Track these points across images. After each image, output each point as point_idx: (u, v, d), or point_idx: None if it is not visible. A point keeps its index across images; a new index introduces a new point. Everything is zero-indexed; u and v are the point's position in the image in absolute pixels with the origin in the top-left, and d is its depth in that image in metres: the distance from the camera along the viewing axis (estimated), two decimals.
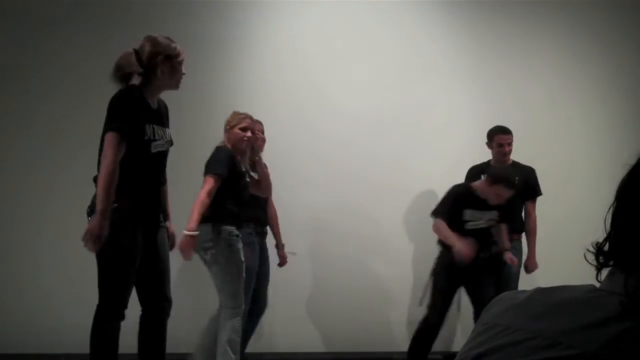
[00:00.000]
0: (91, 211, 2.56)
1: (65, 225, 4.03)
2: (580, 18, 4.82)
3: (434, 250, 4.47)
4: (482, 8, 4.70)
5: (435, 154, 4.51)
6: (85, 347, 3.90)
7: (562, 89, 4.74)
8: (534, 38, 4.75)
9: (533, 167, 3.88)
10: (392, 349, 4.32)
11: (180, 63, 2.65)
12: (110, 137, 2.46)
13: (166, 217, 2.83)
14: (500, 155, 3.78)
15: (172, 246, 2.90)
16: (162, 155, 2.68)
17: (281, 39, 4.41)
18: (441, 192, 4.41)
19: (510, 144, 3.78)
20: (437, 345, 4.35)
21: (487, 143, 3.86)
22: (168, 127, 2.72)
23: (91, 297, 3.96)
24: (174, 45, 2.64)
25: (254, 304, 3.46)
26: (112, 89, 4.11)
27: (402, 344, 4.36)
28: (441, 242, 3.57)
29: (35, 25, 4.15)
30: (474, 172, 3.86)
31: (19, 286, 3.97)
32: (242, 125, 3.25)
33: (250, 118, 3.31)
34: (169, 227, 2.85)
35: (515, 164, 3.82)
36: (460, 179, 4.33)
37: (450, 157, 4.48)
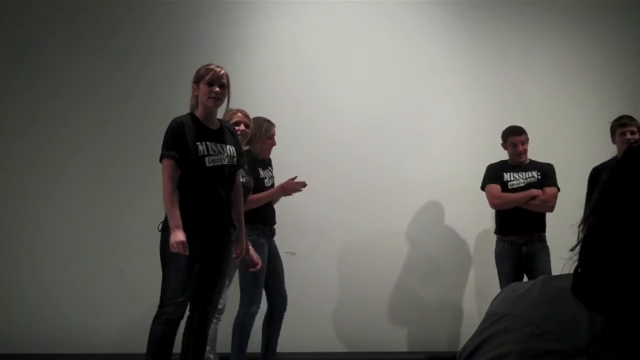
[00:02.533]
0: (163, 226, 2.80)
1: (65, 225, 4.05)
2: (580, 19, 4.82)
3: (434, 252, 4.49)
4: (482, 9, 4.70)
5: (436, 155, 4.51)
6: (84, 347, 3.93)
7: (562, 90, 4.75)
8: (534, 39, 4.76)
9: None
10: (393, 349, 4.32)
11: (209, 83, 2.84)
12: (163, 164, 2.78)
13: (236, 227, 2.99)
14: (515, 156, 3.80)
15: (239, 254, 3.03)
16: (221, 169, 2.86)
17: (281, 39, 4.42)
18: (442, 193, 4.44)
19: (524, 144, 3.78)
20: (440, 346, 4.37)
21: (502, 144, 3.88)
22: (232, 145, 2.95)
23: (91, 297, 3.99)
24: (204, 69, 2.88)
25: (272, 303, 3.49)
26: (112, 88, 4.15)
27: (403, 344, 4.37)
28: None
29: (36, 26, 4.15)
30: (493, 169, 3.84)
31: (19, 286, 3.97)
32: (234, 120, 3.36)
33: (242, 112, 3.41)
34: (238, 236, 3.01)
35: (533, 162, 3.84)
36: (462, 179, 4.34)
37: (451, 158, 4.48)
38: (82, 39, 4.18)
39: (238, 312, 3.38)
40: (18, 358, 3.79)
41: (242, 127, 3.37)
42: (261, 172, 3.49)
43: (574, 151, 4.56)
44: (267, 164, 3.61)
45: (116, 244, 4.02)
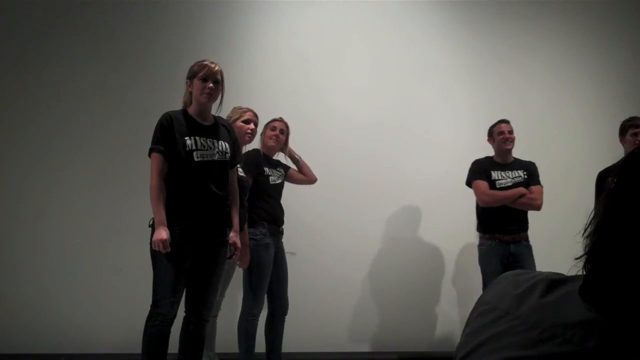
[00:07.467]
0: (153, 222, 2.77)
1: (65, 225, 4.04)
2: (580, 19, 4.83)
3: (434, 252, 4.49)
4: (482, 9, 4.71)
5: (436, 154, 4.51)
6: (84, 347, 3.93)
7: (561, 90, 4.76)
8: (533, 39, 4.76)
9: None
10: (395, 349, 4.32)
11: (203, 79, 2.83)
12: (151, 158, 2.78)
13: (230, 226, 2.97)
14: (502, 143, 3.74)
15: (231, 255, 3.00)
16: (210, 165, 2.83)
17: (281, 39, 4.42)
18: (441, 193, 4.44)
19: (511, 132, 3.75)
20: (443, 345, 4.37)
21: (488, 139, 3.84)
22: (227, 141, 2.92)
23: (91, 297, 3.99)
24: (198, 65, 2.86)
25: (273, 306, 3.46)
26: (111, 89, 4.15)
27: (405, 344, 4.37)
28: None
29: (36, 26, 4.15)
30: (480, 164, 3.79)
31: (19, 286, 3.97)
32: (245, 118, 3.37)
33: (252, 111, 3.42)
34: (231, 236, 2.97)
35: (518, 161, 3.81)
36: (461, 179, 4.34)
37: (451, 159, 4.48)
38: (81, 41, 4.18)
39: (240, 313, 3.33)
40: (18, 358, 3.79)
41: (251, 125, 3.39)
42: (267, 169, 3.46)
43: (574, 151, 4.57)
44: (275, 163, 3.59)
45: (116, 244, 4.02)
